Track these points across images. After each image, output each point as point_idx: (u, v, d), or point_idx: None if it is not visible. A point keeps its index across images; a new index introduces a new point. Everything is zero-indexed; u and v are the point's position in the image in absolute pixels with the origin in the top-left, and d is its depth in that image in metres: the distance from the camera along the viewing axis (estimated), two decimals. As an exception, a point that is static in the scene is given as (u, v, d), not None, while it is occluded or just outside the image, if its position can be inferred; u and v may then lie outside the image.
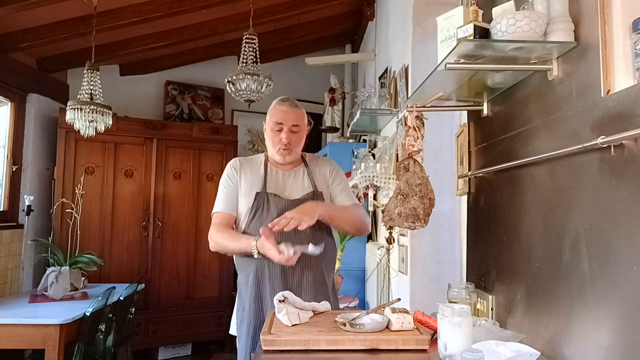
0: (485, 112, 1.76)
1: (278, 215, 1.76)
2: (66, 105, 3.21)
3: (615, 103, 1.02)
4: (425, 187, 1.59)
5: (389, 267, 2.70)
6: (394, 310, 1.41)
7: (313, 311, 1.55)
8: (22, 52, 3.78)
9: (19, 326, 2.77)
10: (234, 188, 1.93)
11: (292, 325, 1.40)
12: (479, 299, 1.69)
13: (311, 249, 1.67)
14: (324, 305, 1.62)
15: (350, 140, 4.07)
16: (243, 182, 1.92)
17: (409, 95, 2.20)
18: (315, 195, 1.89)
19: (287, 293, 1.52)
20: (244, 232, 1.87)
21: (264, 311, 1.80)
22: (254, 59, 3.03)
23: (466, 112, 2.00)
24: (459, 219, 2.21)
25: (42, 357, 2.75)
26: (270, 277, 1.80)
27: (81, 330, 2.84)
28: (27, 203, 3.66)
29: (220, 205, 1.93)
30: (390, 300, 2.46)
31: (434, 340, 1.32)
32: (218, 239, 1.86)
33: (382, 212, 1.75)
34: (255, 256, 1.74)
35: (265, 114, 1.95)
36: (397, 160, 2.48)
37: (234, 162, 2.00)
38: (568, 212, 1.19)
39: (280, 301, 1.48)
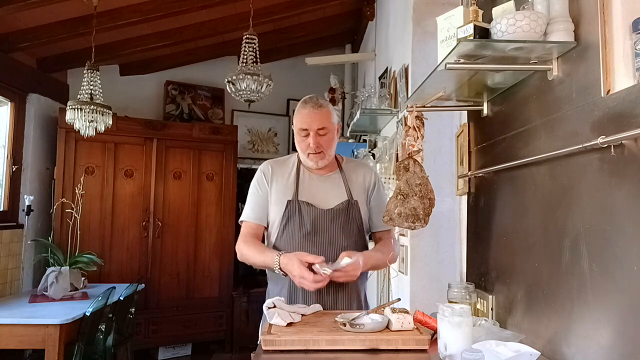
0: (485, 112, 1.75)
1: (312, 226, 1.73)
2: (66, 105, 3.21)
3: (615, 103, 1.01)
4: (425, 187, 1.59)
5: (389, 267, 2.69)
6: (394, 310, 1.41)
7: (302, 315, 1.55)
8: (22, 52, 3.78)
9: (19, 326, 2.77)
10: (264, 196, 1.83)
11: (287, 325, 1.40)
12: (479, 299, 1.69)
13: (345, 262, 1.60)
14: (314, 308, 1.61)
15: (350, 140, 4.06)
16: (274, 190, 1.82)
17: (409, 95, 2.19)
18: (350, 205, 1.80)
19: (276, 300, 1.51)
20: (275, 244, 1.79)
21: None
22: (254, 59, 3.04)
23: (466, 112, 2.00)
24: (459, 219, 2.21)
25: (42, 357, 2.75)
26: (304, 292, 1.69)
27: (81, 330, 2.84)
28: (27, 203, 3.66)
29: (248, 214, 1.85)
30: (390, 300, 2.46)
31: (434, 340, 1.32)
32: (244, 251, 1.78)
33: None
34: (276, 271, 1.66)
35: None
36: (397, 160, 2.48)
37: (265, 166, 1.88)
38: (568, 212, 1.18)
39: (269, 308, 1.47)
